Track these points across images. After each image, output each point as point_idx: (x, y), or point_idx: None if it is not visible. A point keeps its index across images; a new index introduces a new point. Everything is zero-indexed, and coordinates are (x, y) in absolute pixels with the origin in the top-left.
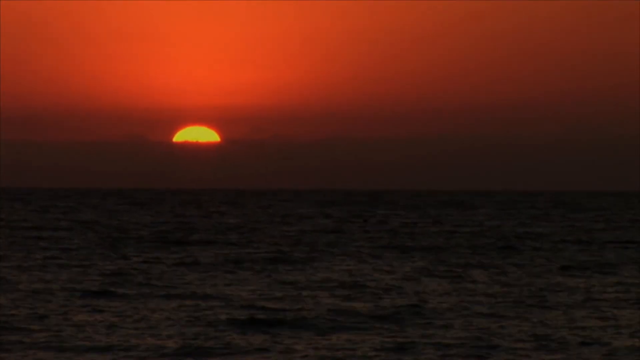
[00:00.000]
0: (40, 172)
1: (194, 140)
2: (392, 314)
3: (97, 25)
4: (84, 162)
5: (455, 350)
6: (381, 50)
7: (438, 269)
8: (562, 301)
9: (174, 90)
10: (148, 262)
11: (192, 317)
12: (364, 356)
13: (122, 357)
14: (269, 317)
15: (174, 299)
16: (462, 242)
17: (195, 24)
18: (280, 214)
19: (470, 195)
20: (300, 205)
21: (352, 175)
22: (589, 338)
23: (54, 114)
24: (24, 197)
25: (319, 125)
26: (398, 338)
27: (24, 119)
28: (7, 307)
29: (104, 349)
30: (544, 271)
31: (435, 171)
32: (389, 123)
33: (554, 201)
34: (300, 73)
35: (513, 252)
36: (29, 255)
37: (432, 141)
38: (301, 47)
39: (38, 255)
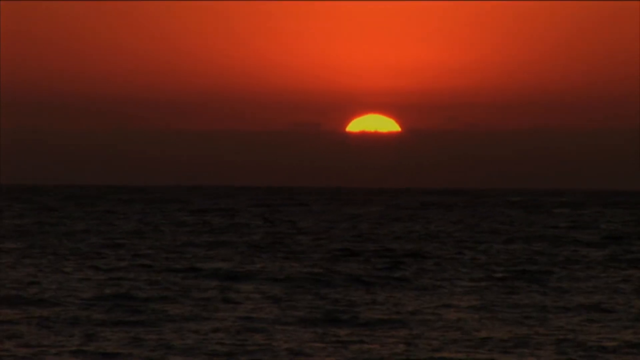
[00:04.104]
0: (192, 166)
1: (372, 130)
2: None
3: None
4: (243, 155)
5: None
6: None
7: None
8: None
9: (347, 72)
10: None
11: None
12: None
13: None
14: None
15: None
16: None
17: None
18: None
19: None
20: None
21: (562, 171)
22: None
23: (208, 99)
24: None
25: (522, 114)
26: None
27: (172, 106)
28: None
29: None
30: None
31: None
32: (598, 111)
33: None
34: (490, 52)
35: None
36: None
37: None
38: (491, 25)
39: None
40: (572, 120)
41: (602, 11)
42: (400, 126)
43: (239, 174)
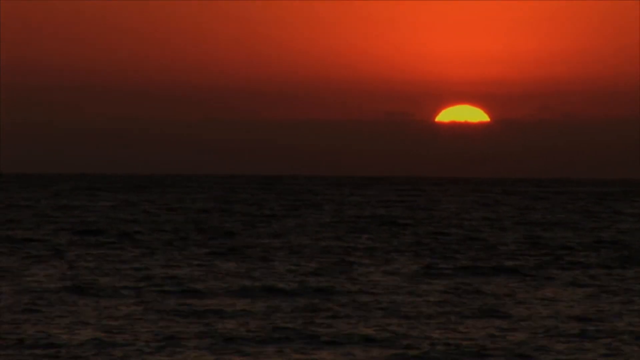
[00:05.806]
0: (282, 156)
1: (462, 121)
2: None
3: None
4: (333, 144)
5: None
6: None
7: None
8: None
9: (438, 61)
10: None
11: None
12: None
13: None
14: None
15: None
16: None
17: None
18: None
19: None
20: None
21: None
22: None
23: (299, 89)
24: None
25: (619, 102)
26: None
27: (262, 96)
28: None
29: None
30: None
31: None
32: None
33: None
34: (583, 40)
35: None
36: None
37: None
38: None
39: None
40: None
41: None
42: (489, 116)
43: (328, 164)
